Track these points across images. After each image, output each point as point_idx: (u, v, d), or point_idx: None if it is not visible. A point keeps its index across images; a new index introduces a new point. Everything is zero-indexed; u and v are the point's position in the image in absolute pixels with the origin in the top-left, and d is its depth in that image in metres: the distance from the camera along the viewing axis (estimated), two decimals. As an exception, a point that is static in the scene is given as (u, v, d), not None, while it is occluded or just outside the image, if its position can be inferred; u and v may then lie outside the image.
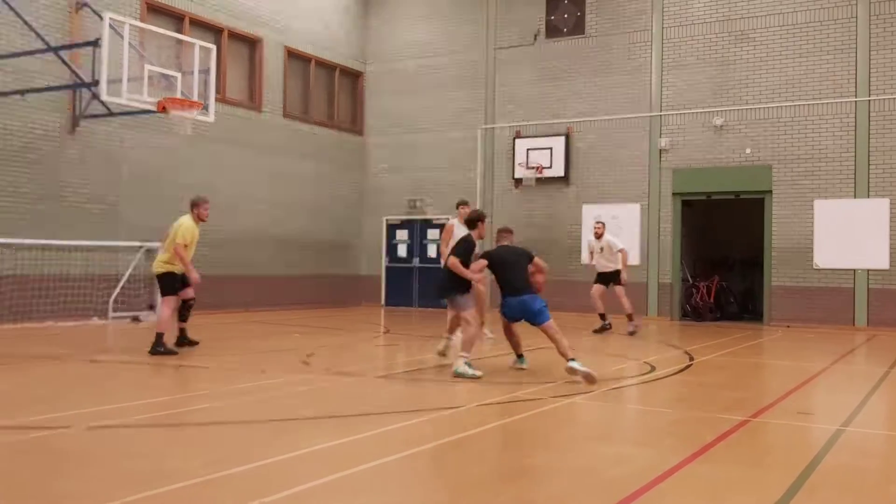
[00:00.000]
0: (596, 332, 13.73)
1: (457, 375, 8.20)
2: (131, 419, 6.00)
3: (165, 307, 9.91)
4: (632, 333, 13.38)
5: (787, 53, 16.31)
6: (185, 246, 9.86)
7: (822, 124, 15.98)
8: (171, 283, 9.95)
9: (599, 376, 7.99)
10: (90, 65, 13.19)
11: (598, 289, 13.95)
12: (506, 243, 9.14)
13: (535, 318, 8.43)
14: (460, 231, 11.85)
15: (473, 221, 9.27)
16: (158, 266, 10.07)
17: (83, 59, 13.76)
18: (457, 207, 11.99)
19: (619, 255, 13.84)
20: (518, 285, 8.62)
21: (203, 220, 10.19)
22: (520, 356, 9.05)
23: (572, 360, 8.01)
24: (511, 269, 8.71)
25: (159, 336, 9.61)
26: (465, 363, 8.23)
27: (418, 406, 6.94)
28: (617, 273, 13.82)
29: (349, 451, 5.19)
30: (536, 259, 8.95)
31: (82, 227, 14.15)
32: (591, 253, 14.24)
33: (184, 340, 10.18)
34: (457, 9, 19.93)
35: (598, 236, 14.03)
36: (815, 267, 15.94)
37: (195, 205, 10.11)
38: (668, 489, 4.41)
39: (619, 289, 13.73)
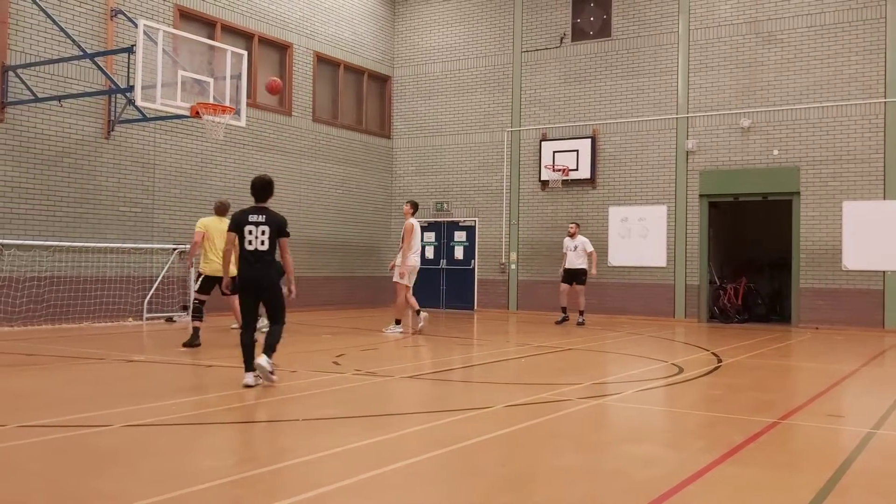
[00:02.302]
0: (557, 323, 15.72)
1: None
2: (166, 418, 6.13)
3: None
4: (581, 324, 15.50)
5: (815, 55, 16.23)
6: None
7: (850, 125, 15.88)
8: None
9: (626, 378, 8.02)
10: (125, 71, 13.46)
11: (565, 287, 15.92)
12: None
13: None
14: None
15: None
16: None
17: (118, 66, 14.04)
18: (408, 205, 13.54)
19: (591, 255, 15.82)
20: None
21: None
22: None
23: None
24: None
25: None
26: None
27: (447, 407, 7.03)
28: (582, 272, 15.77)
29: (379, 451, 5.28)
30: None
31: (118, 230, 14.43)
32: (566, 252, 16.04)
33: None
34: (483, 12, 20.03)
35: (573, 236, 15.95)
36: (843, 269, 15.83)
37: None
38: (698, 491, 4.45)
39: (579, 287, 15.75)
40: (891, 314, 15.34)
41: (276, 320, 7.59)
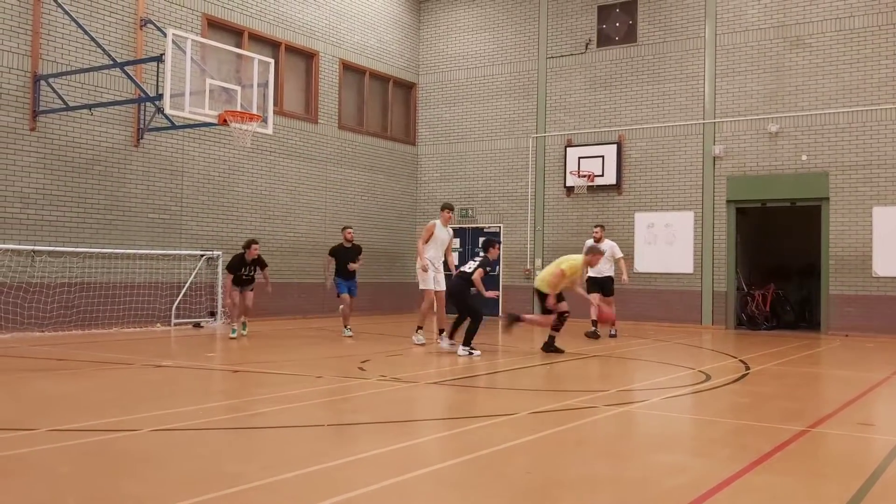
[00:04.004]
0: (588, 336, 13.92)
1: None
2: (194, 423, 6.19)
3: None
4: (613, 336, 14.13)
5: (844, 59, 16.06)
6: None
7: (880, 130, 15.69)
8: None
9: (652, 385, 7.96)
10: (154, 80, 13.63)
11: (596, 296, 13.48)
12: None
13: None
14: (441, 233, 12.12)
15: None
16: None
17: (147, 75, 14.22)
18: (441, 210, 12.44)
19: (619, 262, 14.29)
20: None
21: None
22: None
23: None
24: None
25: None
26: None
27: (472, 413, 7.03)
28: (610, 280, 14.15)
29: (404, 457, 5.29)
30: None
31: (146, 237, 14.61)
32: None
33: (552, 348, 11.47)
34: (508, 19, 20.05)
35: (598, 240, 13.99)
36: (874, 275, 15.63)
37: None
38: (726, 500, 4.41)
39: (608, 298, 13.97)
40: (923, 321, 15.12)
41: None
